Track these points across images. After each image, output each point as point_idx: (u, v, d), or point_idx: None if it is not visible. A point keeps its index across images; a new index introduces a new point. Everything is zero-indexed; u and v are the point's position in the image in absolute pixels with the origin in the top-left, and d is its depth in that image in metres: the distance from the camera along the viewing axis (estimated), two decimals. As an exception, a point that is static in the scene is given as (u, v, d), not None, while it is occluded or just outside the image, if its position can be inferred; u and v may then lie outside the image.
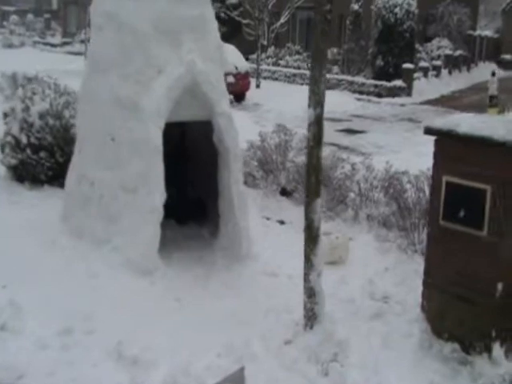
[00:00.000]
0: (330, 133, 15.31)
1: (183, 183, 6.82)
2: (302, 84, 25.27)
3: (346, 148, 13.42)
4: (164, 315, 4.97)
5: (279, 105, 19.63)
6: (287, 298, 5.22)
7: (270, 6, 24.85)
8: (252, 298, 5.37)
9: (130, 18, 5.73)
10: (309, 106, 4.30)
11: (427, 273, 4.59)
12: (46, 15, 47.11)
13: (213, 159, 6.10)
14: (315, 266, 4.52)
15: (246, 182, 8.75)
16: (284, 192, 8.32)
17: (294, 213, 7.79)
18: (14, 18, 43.48)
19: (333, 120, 17.40)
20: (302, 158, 8.05)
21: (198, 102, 5.79)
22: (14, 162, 8.19)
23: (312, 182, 4.41)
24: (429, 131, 4.39)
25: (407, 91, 22.81)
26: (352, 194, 7.63)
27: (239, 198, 5.89)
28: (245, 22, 25.87)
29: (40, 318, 4.73)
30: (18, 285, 5.24)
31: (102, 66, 5.93)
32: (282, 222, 7.53)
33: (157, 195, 5.54)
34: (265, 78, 26.63)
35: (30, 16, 45.26)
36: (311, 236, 4.51)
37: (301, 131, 15.01)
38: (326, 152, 7.92)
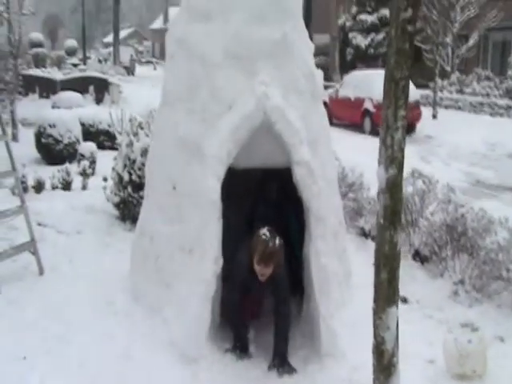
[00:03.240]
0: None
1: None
2: (490, 114, 22.49)
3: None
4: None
5: (455, 138, 17.35)
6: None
7: (455, 30, 22.54)
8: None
9: (199, 44, 4.67)
10: (379, 163, 2.79)
11: None
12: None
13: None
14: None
15: (368, 235, 7.20)
16: (418, 256, 6.57)
17: (427, 287, 6.01)
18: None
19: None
20: (441, 216, 6.30)
21: (274, 145, 4.49)
22: (116, 199, 7.63)
23: (383, 280, 2.86)
24: None
25: None
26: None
27: (320, 276, 4.44)
28: (425, 47, 23.77)
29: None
30: (42, 356, 4.42)
31: (170, 100, 4.93)
32: (404, 300, 5.69)
33: (207, 263, 4.34)
34: (446, 107, 24.26)
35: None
36: (381, 364, 2.94)
37: (476, 170, 13.05)
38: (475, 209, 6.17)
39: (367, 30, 31.23)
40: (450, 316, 5.34)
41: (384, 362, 2.92)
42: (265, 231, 4.23)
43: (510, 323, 5.21)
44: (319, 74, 5.01)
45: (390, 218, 2.79)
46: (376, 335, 2.93)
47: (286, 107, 4.41)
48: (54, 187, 9.33)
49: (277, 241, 4.19)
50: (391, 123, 2.69)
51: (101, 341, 4.62)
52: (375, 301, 2.92)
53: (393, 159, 2.72)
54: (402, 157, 2.74)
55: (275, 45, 4.55)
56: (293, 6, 4.82)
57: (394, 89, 2.67)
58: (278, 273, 4.32)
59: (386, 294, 2.87)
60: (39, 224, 7.42)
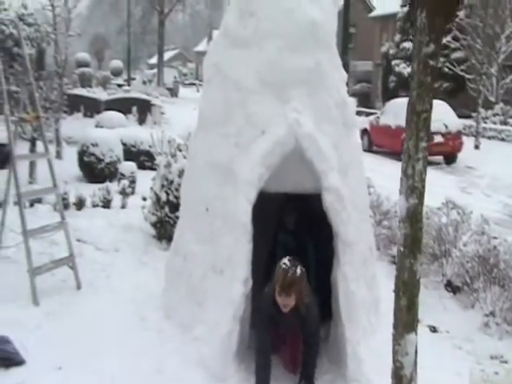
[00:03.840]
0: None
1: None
2: (534, 146, 22.15)
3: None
4: None
5: (496, 169, 17.14)
6: None
7: (500, 60, 22.36)
8: None
9: (233, 70, 4.83)
10: (400, 193, 2.87)
11: None
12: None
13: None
14: None
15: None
16: (450, 286, 6.54)
17: (457, 318, 5.97)
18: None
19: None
20: (474, 247, 6.28)
21: (305, 171, 4.60)
22: (153, 219, 7.83)
23: (402, 306, 2.92)
24: None
25: None
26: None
27: (348, 302, 4.49)
28: (469, 76, 23.62)
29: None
30: (76, 368, 4.59)
31: (205, 124, 5.10)
32: (433, 329, 5.70)
33: (237, 284, 4.45)
34: (489, 137, 23.97)
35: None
36: (398, 388, 2.99)
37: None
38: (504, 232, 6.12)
39: (410, 57, 31.14)
40: (480, 347, 5.31)
41: (402, 388, 2.97)
42: (285, 261, 4.19)
43: (540, 358, 5.13)
44: (352, 102, 5.11)
45: (410, 247, 2.86)
46: (395, 360, 2.98)
47: (317, 134, 4.52)
48: (94, 205, 9.60)
49: (298, 270, 4.13)
50: (412, 154, 2.78)
51: (133, 355, 4.75)
52: (394, 327, 2.97)
53: (413, 189, 2.80)
54: (423, 187, 2.81)
55: (308, 73, 4.68)
56: (326, 35, 4.92)
57: (416, 121, 2.76)
58: (304, 304, 4.23)
59: (405, 320, 2.92)
60: (78, 240, 7.67)
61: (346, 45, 9.85)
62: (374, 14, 41.54)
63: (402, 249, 2.89)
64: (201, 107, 5.26)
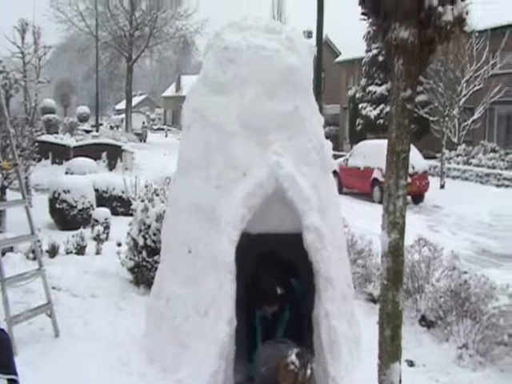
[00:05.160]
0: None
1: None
2: (496, 185, 22.84)
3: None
4: None
5: (462, 208, 17.59)
6: None
7: (461, 103, 23.19)
8: None
9: (215, 115, 5.02)
10: (382, 228, 3.04)
11: None
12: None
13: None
14: None
15: (377, 300, 7.31)
16: (424, 321, 6.70)
17: (433, 351, 6.15)
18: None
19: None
20: (446, 282, 6.48)
21: (286, 212, 4.76)
22: (131, 264, 7.85)
23: (387, 337, 3.05)
24: None
25: None
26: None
27: (330, 337, 4.60)
28: (433, 119, 24.40)
29: None
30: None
31: (186, 167, 5.24)
32: (410, 364, 5.83)
33: (221, 324, 4.52)
34: (453, 177, 24.66)
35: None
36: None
37: (482, 240, 13.21)
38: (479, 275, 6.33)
39: (376, 101, 32.09)
40: (455, 379, 5.49)
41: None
42: (293, 359, 3.66)
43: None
44: (329, 145, 5.32)
45: (392, 279, 3.01)
46: (380, 390, 3.10)
47: (297, 175, 4.70)
48: (68, 252, 9.54)
49: (308, 371, 3.64)
50: (393, 192, 2.96)
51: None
52: (380, 357, 3.10)
53: (394, 224, 2.97)
54: (403, 222, 2.99)
55: (287, 117, 4.89)
56: (303, 81, 5.17)
57: (396, 160, 2.96)
58: None
59: (390, 350, 3.05)
60: (53, 287, 7.58)
61: (320, 90, 10.17)
62: (339, 58, 42.72)
63: (385, 282, 3.04)
64: (181, 151, 5.41)
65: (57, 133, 33.20)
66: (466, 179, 24.48)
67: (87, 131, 38.78)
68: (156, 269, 7.48)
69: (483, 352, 5.84)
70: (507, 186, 22.47)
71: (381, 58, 30.13)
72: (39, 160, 20.35)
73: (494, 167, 24.26)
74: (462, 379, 5.46)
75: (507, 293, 5.96)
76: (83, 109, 52.50)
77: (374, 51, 31.59)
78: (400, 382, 3.08)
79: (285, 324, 5.20)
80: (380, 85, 32.20)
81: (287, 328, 5.15)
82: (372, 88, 32.59)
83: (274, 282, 4.59)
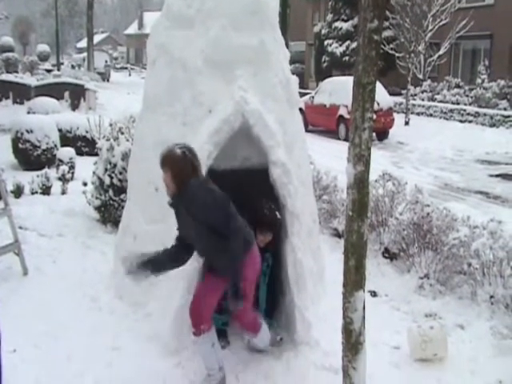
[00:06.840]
0: (482, 178, 13.38)
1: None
2: (460, 121, 23.16)
3: (496, 198, 11.42)
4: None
5: (426, 144, 17.94)
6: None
7: (427, 38, 23.12)
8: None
9: (179, 50, 4.92)
10: (348, 161, 3.08)
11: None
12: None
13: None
14: None
15: (341, 235, 7.49)
16: (387, 253, 6.91)
17: (395, 282, 6.38)
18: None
19: (489, 163, 15.30)
20: (409, 215, 6.65)
21: (253, 148, 4.77)
22: (97, 203, 7.81)
23: (351, 267, 3.15)
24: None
25: None
26: (472, 265, 6.00)
27: (296, 270, 4.71)
28: (399, 55, 24.34)
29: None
30: (31, 349, 4.62)
31: (151, 105, 5.17)
32: (373, 294, 6.07)
33: (189, 259, 4.57)
34: (418, 114, 24.90)
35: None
36: (349, 342, 3.23)
37: (445, 175, 13.53)
38: (441, 208, 6.51)
39: (342, 37, 31.78)
40: (416, 308, 5.73)
41: (352, 341, 3.21)
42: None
43: (469, 313, 5.58)
44: (295, 80, 5.29)
45: (357, 211, 3.08)
46: (345, 316, 3.22)
47: (263, 111, 4.69)
48: (33, 192, 9.44)
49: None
50: (359, 124, 2.99)
51: (87, 335, 4.83)
52: (344, 286, 3.20)
53: (360, 157, 3.01)
54: (369, 155, 3.03)
55: (253, 52, 4.82)
56: (270, 15, 5.07)
57: (362, 93, 2.97)
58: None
59: (354, 279, 3.16)
60: (20, 227, 7.53)
61: (285, 25, 9.97)
62: (305, -6, 41.88)
63: (350, 213, 3.10)
64: (146, 88, 5.31)
65: (16, 72, 32.14)
66: (431, 115, 24.76)
67: (48, 70, 37.54)
68: (123, 207, 7.47)
69: (443, 281, 6.09)
70: (471, 122, 22.83)
71: (347, -7, 29.63)
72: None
73: (458, 103, 24.53)
74: (423, 307, 5.72)
75: (467, 224, 6.16)
76: (43, 47, 50.61)
77: (341, -15, 31.02)
78: (364, 309, 3.20)
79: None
80: (346, 21, 31.81)
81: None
82: (338, 24, 32.20)
83: (274, 207, 4.60)
